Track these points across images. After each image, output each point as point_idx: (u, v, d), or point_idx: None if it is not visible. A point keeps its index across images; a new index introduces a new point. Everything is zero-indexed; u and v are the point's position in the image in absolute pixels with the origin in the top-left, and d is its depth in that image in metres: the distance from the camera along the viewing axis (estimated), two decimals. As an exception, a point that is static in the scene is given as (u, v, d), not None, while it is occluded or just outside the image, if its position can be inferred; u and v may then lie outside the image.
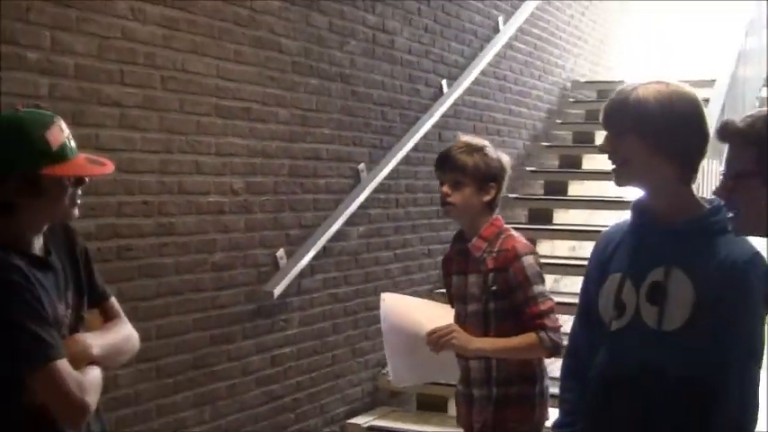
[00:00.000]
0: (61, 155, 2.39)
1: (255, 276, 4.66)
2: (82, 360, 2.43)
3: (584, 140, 8.18)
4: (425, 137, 6.03)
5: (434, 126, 6.13)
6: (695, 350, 2.39)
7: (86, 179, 2.49)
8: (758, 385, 2.41)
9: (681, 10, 10.76)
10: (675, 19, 10.81)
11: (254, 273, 4.65)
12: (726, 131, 2.25)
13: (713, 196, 2.48)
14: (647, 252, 2.53)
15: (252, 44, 4.55)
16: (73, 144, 2.44)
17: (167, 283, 4.13)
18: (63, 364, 2.29)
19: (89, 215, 3.71)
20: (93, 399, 2.37)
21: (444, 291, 3.80)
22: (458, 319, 3.47)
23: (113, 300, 2.71)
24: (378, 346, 5.17)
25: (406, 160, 5.85)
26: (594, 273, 2.68)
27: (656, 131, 2.47)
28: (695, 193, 2.57)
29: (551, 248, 7.05)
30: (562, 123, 8.40)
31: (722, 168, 2.29)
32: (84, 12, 3.67)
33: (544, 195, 7.53)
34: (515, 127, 7.48)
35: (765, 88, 7.79)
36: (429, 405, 5.75)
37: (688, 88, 2.54)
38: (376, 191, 5.51)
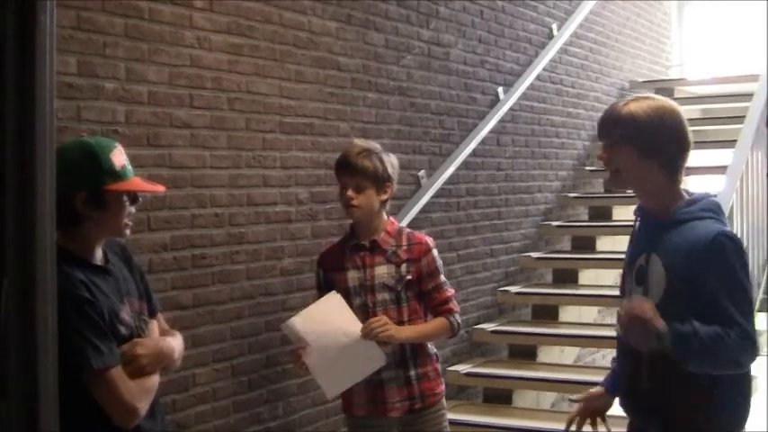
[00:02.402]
0: (122, 174, 2.78)
1: (323, 280, 4.96)
2: (163, 358, 2.84)
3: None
4: (483, 142, 6.29)
5: (492, 131, 6.38)
6: (675, 319, 2.71)
7: (140, 199, 2.90)
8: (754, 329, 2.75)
9: (738, 7, 10.82)
10: (733, 16, 10.87)
11: (321, 277, 4.96)
12: None
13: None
14: (639, 243, 2.96)
15: (312, 64, 4.87)
16: (130, 166, 2.83)
17: (240, 288, 4.45)
18: (117, 372, 2.66)
19: (165, 228, 4.06)
20: (143, 404, 2.73)
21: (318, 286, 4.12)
22: (363, 309, 3.83)
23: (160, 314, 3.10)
24: (441, 343, 5.42)
25: (466, 165, 6.11)
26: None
27: (646, 141, 2.83)
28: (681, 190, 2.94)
29: (612, 244, 7.24)
30: (622, 123, 8.54)
31: None
32: (154, 43, 4.02)
33: (604, 194, 7.73)
34: (574, 128, 7.70)
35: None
36: (495, 397, 6.00)
37: (672, 102, 2.92)
38: (436, 195, 5.77)
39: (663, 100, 2.95)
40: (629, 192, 3.03)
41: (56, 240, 2.74)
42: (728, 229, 2.85)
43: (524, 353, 6.31)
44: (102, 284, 2.75)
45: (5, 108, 2.10)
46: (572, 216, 7.56)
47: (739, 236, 5.37)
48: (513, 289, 6.54)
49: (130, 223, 2.89)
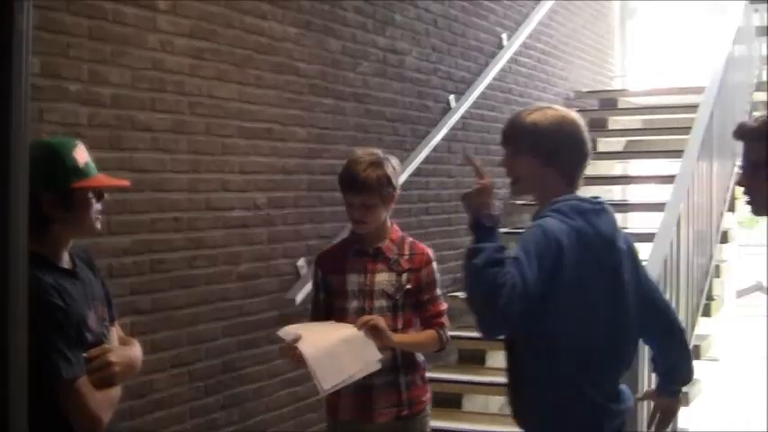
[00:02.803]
0: (86, 171, 2.75)
1: (278, 285, 4.95)
2: (132, 369, 2.81)
3: (588, 148, 8.49)
4: (435, 149, 6.32)
5: (444, 139, 6.42)
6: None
7: (105, 195, 2.85)
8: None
9: (679, 20, 11.07)
10: (673, 29, 11.13)
11: (276, 282, 4.95)
12: (741, 131, 2.63)
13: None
14: None
15: (272, 69, 4.86)
16: (93, 163, 2.79)
17: (197, 293, 4.43)
18: (84, 381, 2.63)
19: (125, 232, 4.03)
20: (108, 415, 2.71)
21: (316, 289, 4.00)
22: (360, 314, 3.77)
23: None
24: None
25: (418, 172, 6.14)
26: None
27: (547, 150, 2.89)
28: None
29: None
30: (566, 132, 8.67)
31: (740, 162, 2.67)
32: (118, 46, 3.98)
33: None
34: (522, 137, 7.76)
35: (759, 93, 8.13)
36: (445, 401, 6.00)
37: (572, 112, 2.98)
38: (389, 202, 5.80)
39: (564, 110, 3.00)
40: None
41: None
42: (557, 223, 2.82)
43: (473, 357, 6.37)
44: (71, 289, 2.71)
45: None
46: (518, 223, 7.61)
47: (686, 244, 5.50)
48: (462, 295, 6.57)
49: (100, 217, 2.85)
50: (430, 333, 3.86)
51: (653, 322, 3.16)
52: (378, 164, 3.77)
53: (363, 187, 3.73)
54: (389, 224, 3.92)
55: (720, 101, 6.38)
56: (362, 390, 3.77)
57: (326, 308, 3.87)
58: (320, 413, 5.26)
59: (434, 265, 3.91)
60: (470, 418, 5.85)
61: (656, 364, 3.38)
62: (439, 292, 3.92)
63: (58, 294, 2.62)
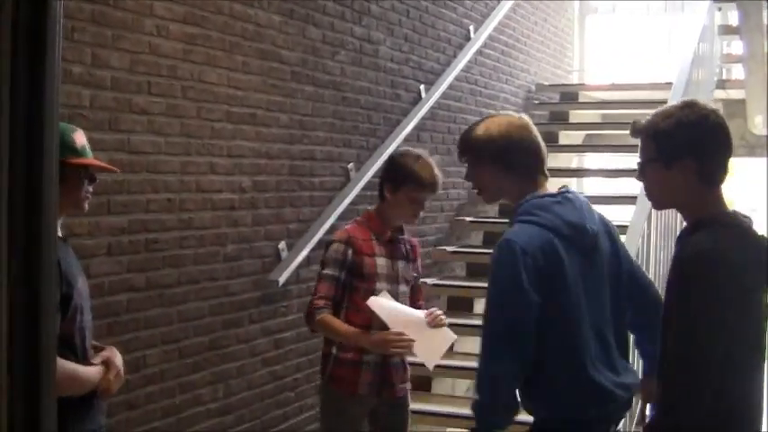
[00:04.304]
0: (81, 152, 2.94)
1: (260, 267, 5.09)
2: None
3: (548, 140, 8.49)
4: (406, 138, 6.47)
5: (414, 128, 6.58)
6: None
7: (97, 179, 3.02)
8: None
9: (636, 18, 11.35)
10: (632, 25, 11.39)
11: (259, 263, 5.08)
12: (634, 129, 2.78)
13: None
14: None
15: (257, 56, 4.99)
16: (89, 149, 2.98)
17: (187, 273, 4.56)
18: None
19: (122, 212, 4.15)
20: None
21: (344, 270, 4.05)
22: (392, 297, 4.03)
23: None
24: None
25: (389, 160, 6.30)
26: None
27: (501, 157, 3.04)
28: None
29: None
30: (527, 124, 8.87)
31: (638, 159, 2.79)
32: (118, 30, 4.09)
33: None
34: (485, 128, 7.94)
35: (719, 91, 8.41)
36: (417, 385, 6.18)
37: (520, 116, 3.15)
38: (363, 188, 5.93)
39: (510, 116, 3.17)
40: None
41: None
42: (515, 234, 2.91)
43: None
44: (64, 253, 2.86)
45: (17, 96, 2.20)
46: (482, 212, 7.81)
47: (655, 236, 5.68)
48: (430, 281, 6.75)
49: (89, 197, 3.00)
50: None
51: (637, 302, 3.21)
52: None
53: (435, 192, 4.12)
54: None
55: (687, 97, 6.59)
56: (382, 367, 4.00)
57: (344, 286, 4.02)
58: (296, 393, 5.43)
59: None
60: (439, 400, 6.04)
61: (643, 349, 3.36)
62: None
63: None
